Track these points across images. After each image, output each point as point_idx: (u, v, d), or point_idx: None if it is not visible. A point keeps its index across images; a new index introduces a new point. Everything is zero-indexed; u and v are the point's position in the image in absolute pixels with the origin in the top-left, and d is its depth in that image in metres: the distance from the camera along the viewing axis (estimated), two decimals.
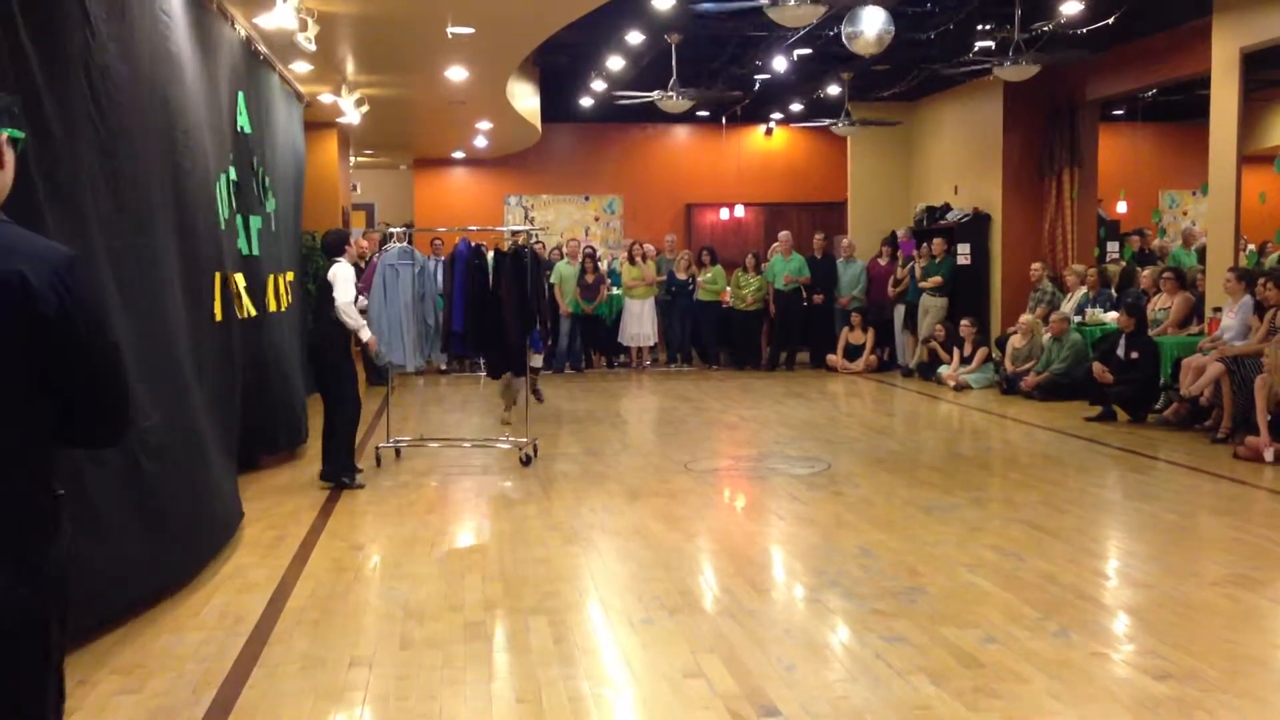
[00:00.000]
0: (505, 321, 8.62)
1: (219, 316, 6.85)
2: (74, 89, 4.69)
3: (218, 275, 6.73)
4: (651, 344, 15.77)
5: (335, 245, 7.99)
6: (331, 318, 7.71)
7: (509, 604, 5.20)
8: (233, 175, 7.44)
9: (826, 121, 15.57)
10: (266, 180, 8.76)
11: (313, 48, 8.32)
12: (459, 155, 19.00)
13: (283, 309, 9.10)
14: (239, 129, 8.01)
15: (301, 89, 11.48)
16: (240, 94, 8.04)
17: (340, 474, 7.75)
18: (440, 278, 8.85)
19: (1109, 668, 4.30)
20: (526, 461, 8.57)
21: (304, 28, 8.01)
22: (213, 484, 6.14)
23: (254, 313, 7.89)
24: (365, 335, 7.93)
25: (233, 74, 7.83)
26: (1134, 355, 10.28)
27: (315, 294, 8.49)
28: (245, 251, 7.94)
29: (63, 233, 4.51)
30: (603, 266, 16.05)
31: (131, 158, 5.21)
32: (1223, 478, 7.88)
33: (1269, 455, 8.15)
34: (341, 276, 7.76)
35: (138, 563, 4.91)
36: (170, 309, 5.73)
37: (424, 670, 4.33)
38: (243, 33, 8.17)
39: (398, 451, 8.96)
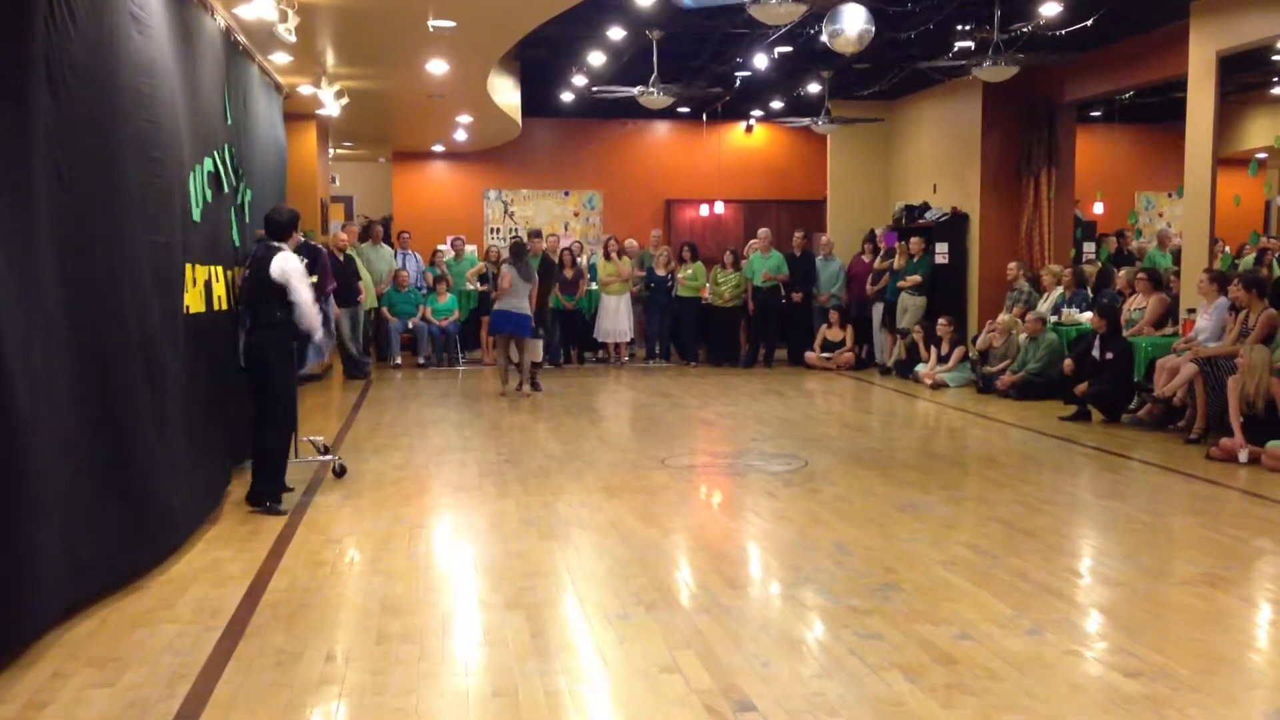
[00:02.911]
0: None
1: (194, 309, 6.79)
2: (32, 79, 4.62)
3: (189, 267, 6.66)
4: (628, 339, 15.79)
5: (286, 227, 7.05)
6: (278, 320, 6.83)
7: (486, 599, 5.20)
8: (209, 166, 7.37)
9: (807, 119, 15.62)
10: (241, 172, 8.71)
11: (293, 39, 8.29)
12: (439, 149, 18.94)
13: None
14: (226, 121, 7.96)
15: (281, 80, 11.43)
16: (225, 85, 7.99)
17: (270, 496, 6.87)
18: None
19: (1081, 665, 4.34)
20: (340, 473, 7.94)
21: (284, 19, 7.98)
22: (171, 479, 6.04)
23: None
24: (318, 336, 7.18)
25: (216, 64, 7.77)
26: (1109, 356, 10.37)
27: (247, 290, 7.13)
28: (238, 244, 7.90)
29: (8, 220, 4.44)
30: (581, 262, 16.06)
31: (88, 150, 5.12)
32: (1195, 478, 7.96)
33: (1243, 456, 8.23)
34: (295, 271, 6.85)
35: (81, 561, 4.87)
36: (127, 301, 5.58)
37: (400, 664, 4.32)
38: (222, 23, 8.12)
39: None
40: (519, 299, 11.95)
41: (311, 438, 8.35)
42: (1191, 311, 10.44)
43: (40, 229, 4.66)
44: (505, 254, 12.97)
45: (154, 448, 5.77)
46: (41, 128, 4.68)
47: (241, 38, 8.88)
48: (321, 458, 8.16)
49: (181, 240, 6.56)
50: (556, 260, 15.16)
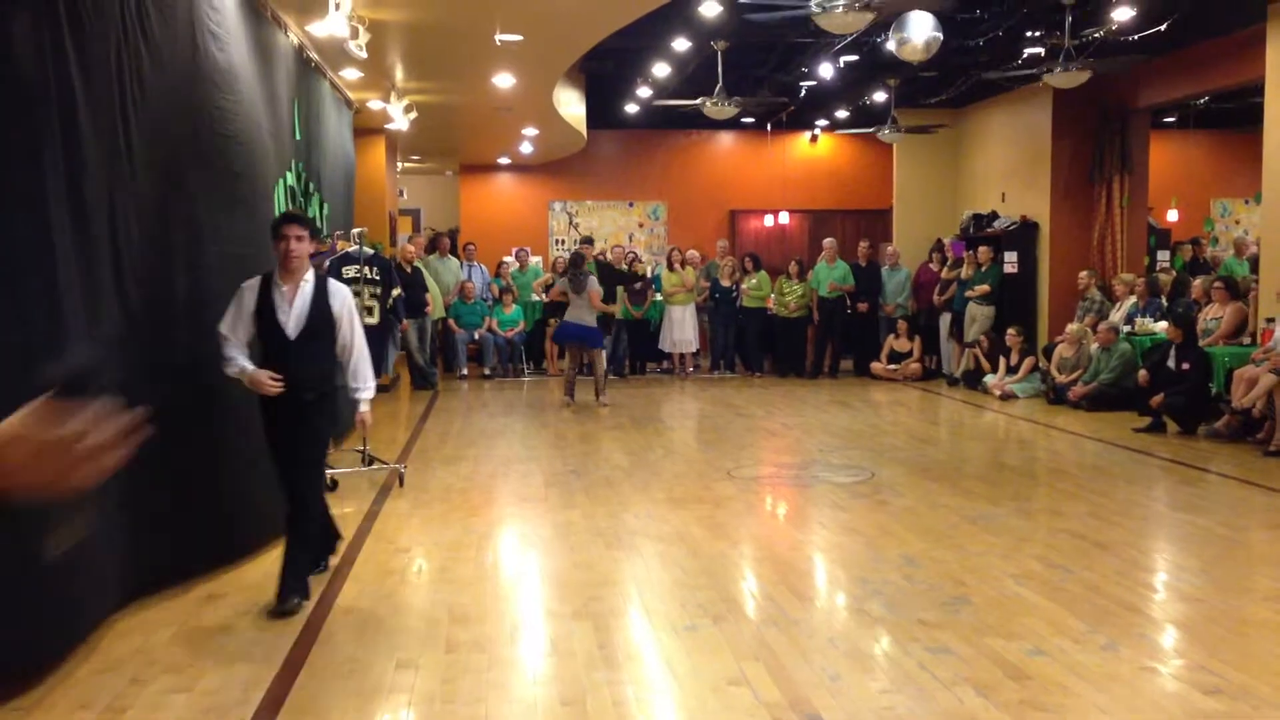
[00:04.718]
0: None
1: None
2: (103, 94, 4.75)
3: None
4: (694, 350, 15.79)
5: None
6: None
7: (553, 608, 5.23)
8: (290, 180, 7.52)
9: (872, 128, 15.51)
10: (311, 186, 8.86)
11: (363, 55, 8.43)
12: (504, 161, 19.12)
13: None
14: (295, 136, 8.11)
15: (351, 95, 11.61)
16: (295, 100, 8.14)
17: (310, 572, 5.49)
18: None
19: (1158, 682, 4.25)
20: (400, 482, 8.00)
21: (355, 35, 8.12)
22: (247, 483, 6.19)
23: None
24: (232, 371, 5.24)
25: (289, 81, 7.93)
26: (1184, 366, 10.16)
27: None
28: None
29: (82, 233, 4.55)
30: (648, 272, 16.11)
31: (158, 162, 5.23)
32: (1275, 491, 7.76)
33: None
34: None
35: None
36: (201, 312, 5.68)
37: (469, 673, 4.36)
38: (295, 40, 8.28)
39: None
40: (579, 310, 12.11)
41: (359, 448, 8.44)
42: (1271, 321, 10.20)
43: (108, 241, 4.78)
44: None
45: (239, 452, 5.89)
46: (121, 141, 4.80)
47: (314, 54, 9.04)
48: (391, 465, 8.26)
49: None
50: (626, 268, 15.23)
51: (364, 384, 5.42)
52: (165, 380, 5.21)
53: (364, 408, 5.46)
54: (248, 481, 6.16)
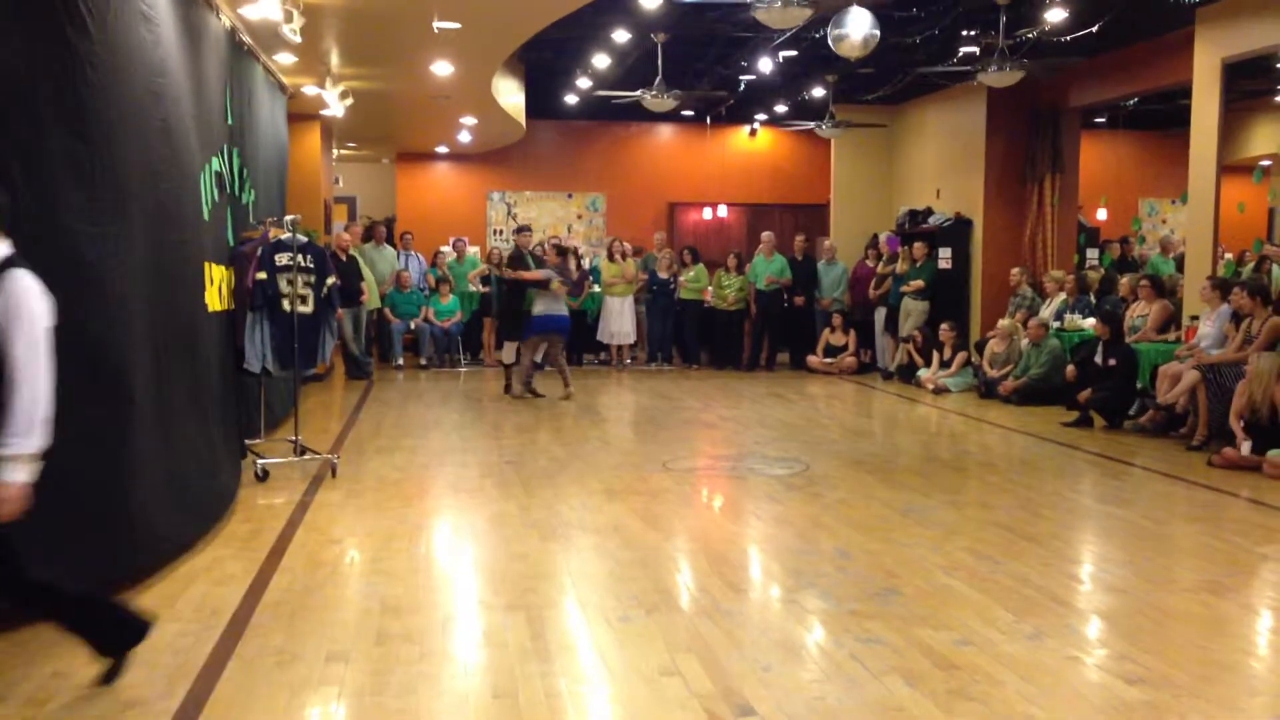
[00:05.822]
0: None
1: (216, 306, 6.81)
2: (51, 74, 4.66)
3: (207, 265, 6.68)
4: (631, 342, 15.79)
5: None
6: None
7: (486, 600, 5.20)
8: (216, 166, 7.39)
9: (810, 123, 15.62)
10: (245, 172, 8.71)
11: (298, 39, 8.30)
12: (442, 150, 18.95)
13: None
14: (226, 120, 7.97)
15: (285, 80, 11.44)
16: (227, 84, 8.00)
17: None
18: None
19: (1082, 671, 4.34)
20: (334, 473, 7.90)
21: (289, 19, 7.99)
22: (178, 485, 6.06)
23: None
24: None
25: (220, 64, 7.79)
26: (1111, 362, 10.36)
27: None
28: (231, 244, 7.91)
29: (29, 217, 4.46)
30: (585, 264, 16.07)
31: (100, 145, 5.13)
32: (1197, 484, 7.95)
33: (1244, 449, 8.24)
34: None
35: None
36: (137, 298, 5.54)
37: (400, 665, 4.32)
38: (228, 23, 8.13)
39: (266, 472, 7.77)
40: (556, 302, 12.05)
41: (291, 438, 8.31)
42: (1195, 318, 10.43)
43: (58, 221, 4.68)
44: (506, 256, 13.02)
45: (155, 446, 5.77)
46: (66, 127, 4.71)
47: (246, 38, 8.88)
48: (323, 455, 8.17)
49: (197, 239, 6.57)
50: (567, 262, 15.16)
51: (18, 438, 3.49)
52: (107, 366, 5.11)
53: (10, 476, 3.50)
54: (176, 475, 6.06)
